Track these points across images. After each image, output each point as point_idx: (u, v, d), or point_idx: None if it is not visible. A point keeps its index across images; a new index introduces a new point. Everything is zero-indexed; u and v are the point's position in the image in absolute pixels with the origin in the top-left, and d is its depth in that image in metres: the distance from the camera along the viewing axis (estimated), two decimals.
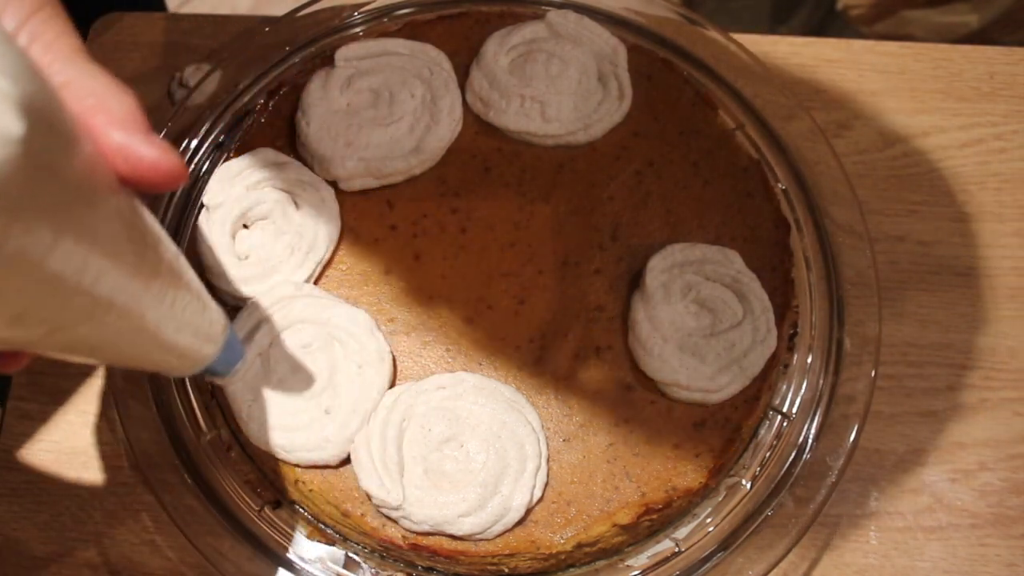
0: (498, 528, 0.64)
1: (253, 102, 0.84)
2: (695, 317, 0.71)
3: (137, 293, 0.37)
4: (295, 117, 0.78)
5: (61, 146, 0.29)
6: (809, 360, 0.76)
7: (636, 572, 0.70)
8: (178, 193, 0.81)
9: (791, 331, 0.76)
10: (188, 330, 0.45)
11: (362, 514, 0.67)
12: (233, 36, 1.02)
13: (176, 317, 0.42)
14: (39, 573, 0.77)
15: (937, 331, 0.89)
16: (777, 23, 1.66)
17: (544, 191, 0.78)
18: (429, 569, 0.70)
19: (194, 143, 0.83)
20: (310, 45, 0.88)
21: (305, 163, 0.76)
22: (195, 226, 0.75)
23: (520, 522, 0.65)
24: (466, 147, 0.79)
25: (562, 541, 0.66)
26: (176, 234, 0.80)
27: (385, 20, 0.89)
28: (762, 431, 0.74)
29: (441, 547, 0.65)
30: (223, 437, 0.74)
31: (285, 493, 0.72)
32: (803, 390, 0.75)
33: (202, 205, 0.75)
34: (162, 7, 1.23)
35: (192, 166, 0.82)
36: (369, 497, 0.64)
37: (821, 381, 0.75)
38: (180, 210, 0.81)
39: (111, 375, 0.73)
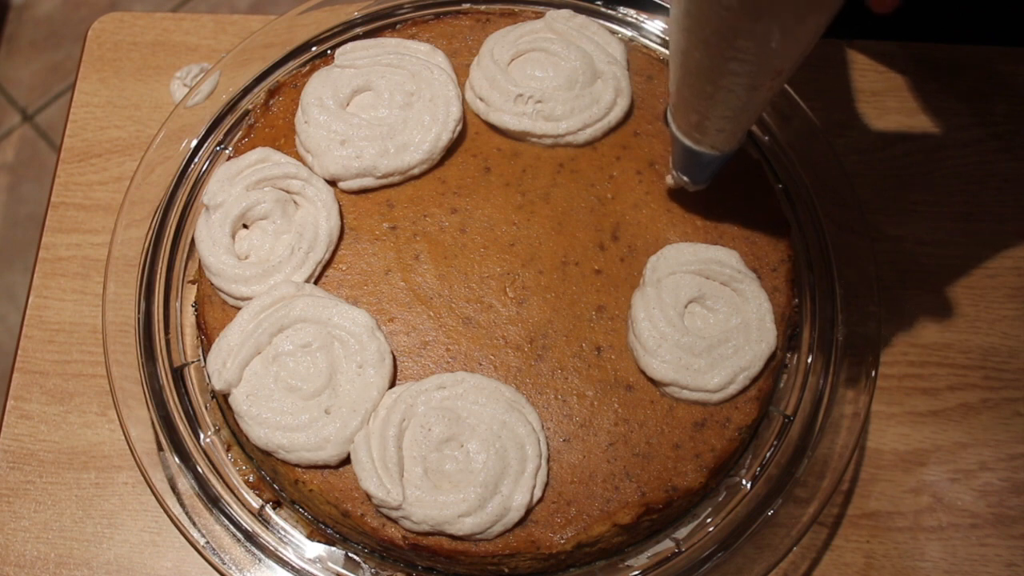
0: (498, 528, 0.64)
1: (253, 102, 0.84)
2: (695, 317, 0.71)
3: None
4: (295, 117, 0.78)
5: None
6: (809, 360, 0.76)
7: (636, 572, 0.70)
8: (178, 193, 0.81)
9: (791, 331, 0.76)
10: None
11: (362, 514, 0.67)
12: (233, 36, 1.02)
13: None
14: (39, 573, 0.77)
15: (937, 331, 0.89)
16: None
17: (544, 191, 0.78)
18: (429, 569, 0.70)
19: (194, 143, 0.83)
20: (310, 45, 0.88)
21: (305, 163, 0.76)
22: (196, 226, 0.75)
23: (520, 522, 0.65)
24: (466, 147, 0.79)
25: (562, 541, 0.66)
26: (176, 234, 0.80)
27: (385, 20, 0.89)
28: (762, 431, 0.74)
29: (441, 547, 0.65)
30: (223, 437, 0.74)
31: (285, 493, 0.72)
32: (803, 390, 0.75)
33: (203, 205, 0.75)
34: None
35: (192, 166, 0.82)
36: (369, 497, 0.64)
37: (821, 381, 0.75)
38: (180, 210, 0.81)
39: (111, 375, 0.73)
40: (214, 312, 0.73)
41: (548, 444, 0.68)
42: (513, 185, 0.78)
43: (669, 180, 0.76)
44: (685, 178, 0.73)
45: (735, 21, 0.54)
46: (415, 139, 0.76)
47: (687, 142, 0.68)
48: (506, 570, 0.68)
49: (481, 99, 0.79)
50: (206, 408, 0.74)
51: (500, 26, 0.84)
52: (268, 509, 0.71)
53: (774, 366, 0.72)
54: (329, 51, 0.86)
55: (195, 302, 0.77)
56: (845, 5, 0.53)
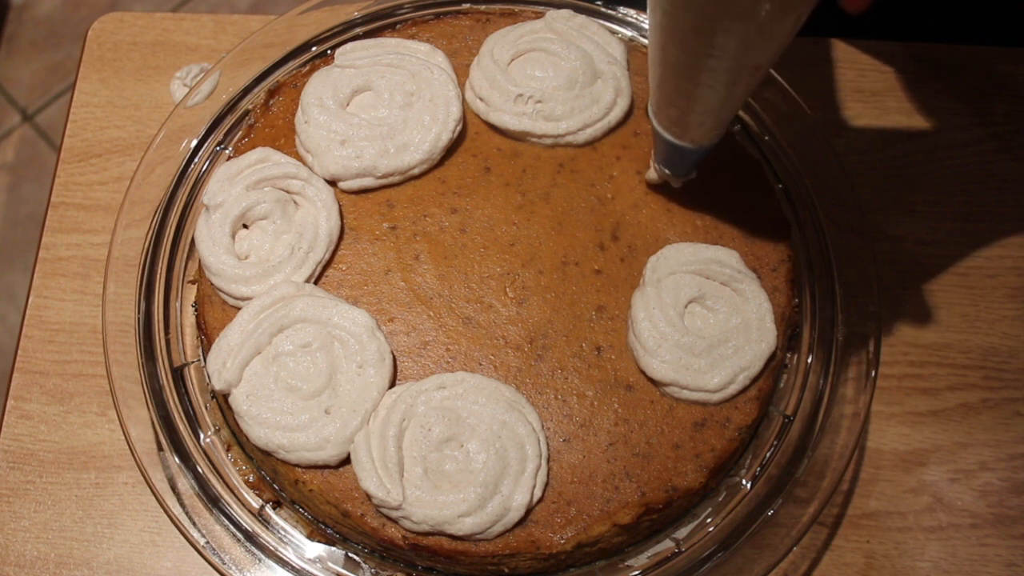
0: (498, 528, 0.64)
1: (253, 102, 0.84)
2: (695, 317, 0.71)
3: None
4: (295, 117, 0.78)
5: None
6: (809, 360, 0.76)
7: (636, 572, 0.70)
8: (178, 193, 0.81)
9: (791, 331, 0.76)
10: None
11: (362, 514, 0.67)
12: (233, 36, 1.02)
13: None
14: (39, 573, 0.77)
15: (937, 331, 0.89)
16: None
17: (544, 191, 0.78)
18: (429, 569, 0.70)
19: (194, 143, 0.83)
20: (310, 45, 0.88)
21: (305, 163, 0.76)
22: (196, 226, 0.75)
23: (520, 522, 0.65)
24: (466, 147, 0.79)
25: (562, 541, 0.66)
26: (176, 234, 0.80)
27: (385, 20, 0.89)
28: (762, 431, 0.74)
29: (441, 547, 0.65)
30: (223, 437, 0.74)
31: (285, 493, 0.72)
32: (803, 390, 0.75)
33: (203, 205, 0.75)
34: None
35: (192, 166, 0.82)
36: (369, 497, 0.64)
37: (821, 381, 0.75)
38: (180, 210, 0.81)
39: (111, 375, 0.73)
40: (214, 312, 0.73)
41: (548, 444, 0.68)
42: (513, 185, 0.78)
43: (652, 175, 0.76)
44: (667, 171, 0.73)
45: (711, 19, 0.54)
46: (415, 139, 0.76)
47: (668, 137, 0.69)
48: (506, 570, 0.68)
49: (481, 99, 0.79)
50: (206, 408, 0.74)
51: (500, 26, 0.84)
52: (268, 509, 0.71)
53: (774, 366, 0.72)
54: (329, 51, 0.86)
55: (195, 302, 0.77)
56: (828, 3, 0.53)
